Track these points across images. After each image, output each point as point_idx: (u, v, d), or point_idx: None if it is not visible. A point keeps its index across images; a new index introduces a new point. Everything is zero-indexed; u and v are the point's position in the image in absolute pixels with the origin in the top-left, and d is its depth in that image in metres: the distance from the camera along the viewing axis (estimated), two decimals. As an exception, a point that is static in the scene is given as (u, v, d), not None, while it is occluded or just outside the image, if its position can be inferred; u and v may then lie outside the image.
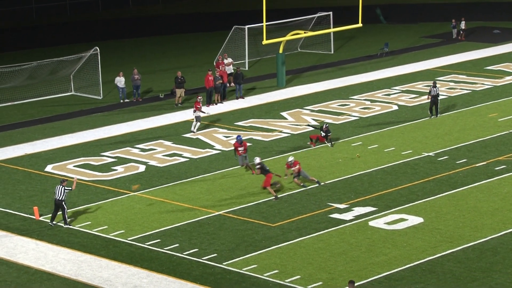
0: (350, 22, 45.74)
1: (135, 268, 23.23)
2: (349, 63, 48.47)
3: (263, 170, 28.41)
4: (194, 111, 35.58)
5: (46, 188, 29.23)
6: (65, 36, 59.78)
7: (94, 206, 27.80)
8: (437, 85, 36.66)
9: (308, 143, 33.25)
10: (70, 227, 25.90)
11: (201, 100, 36.06)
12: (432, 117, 36.24)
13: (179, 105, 40.00)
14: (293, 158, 28.78)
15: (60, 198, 25.80)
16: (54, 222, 26.06)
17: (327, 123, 34.01)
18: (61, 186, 25.91)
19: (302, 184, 28.49)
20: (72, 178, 27.58)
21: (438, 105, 36.46)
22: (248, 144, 31.69)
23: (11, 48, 55.02)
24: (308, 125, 35.31)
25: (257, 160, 28.68)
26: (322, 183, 28.62)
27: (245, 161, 30.28)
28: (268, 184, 28.11)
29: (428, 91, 37.23)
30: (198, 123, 35.56)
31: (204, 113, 35.87)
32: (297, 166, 28.42)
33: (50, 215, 26.70)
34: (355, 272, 22.51)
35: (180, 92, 40.32)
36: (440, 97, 40.04)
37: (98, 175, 30.68)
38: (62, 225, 26.02)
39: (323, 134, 33.13)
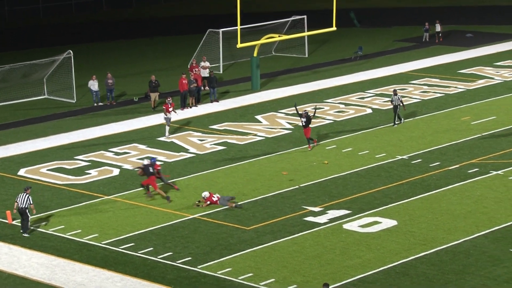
0: (324, 25, 45.89)
1: (109, 272, 23.12)
2: (323, 66, 48.63)
3: (146, 172, 27.93)
4: (166, 114, 35.44)
5: (19, 192, 28.92)
6: (38, 39, 59.40)
7: (67, 210, 27.64)
8: (398, 94, 35.88)
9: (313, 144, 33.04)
10: (28, 236, 25.38)
11: (170, 101, 35.73)
12: (395, 125, 35.78)
13: (153, 109, 39.86)
14: (205, 193, 27.38)
15: (23, 206, 25.41)
16: (28, 230, 25.76)
17: (305, 110, 33.87)
18: (25, 194, 25.57)
19: (234, 205, 27.23)
20: (42, 181, 27.27)
21: (397, 113, 35.82)
22: (222, 147, 31.59)
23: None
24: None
25: (145, 162, 28.31)
26: (239, 207, 27.30)
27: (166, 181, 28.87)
28: (145, 183, 27.82)
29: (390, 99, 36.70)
30: (167, 127, 35.37)
31: (166, 116, 35.12)
32: (209, 202, 27.23)
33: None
34: (329, 275, 22.57)
35: (154, 96, 40.21)
36: (414, 101, 40.35)
37: (72, 179, 30.51)
38: (23, 232, 25.60)
39: (303, 121, 32.79)
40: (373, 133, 35.46)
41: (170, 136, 35.26)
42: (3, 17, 67.28)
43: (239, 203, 27.49)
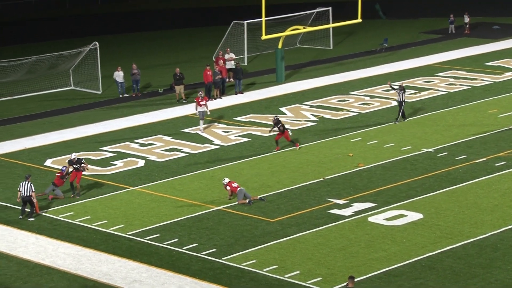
0: (350, 17, 45.69)
1: (134, 263, 23.24)
2: (348, 58, 48.45)
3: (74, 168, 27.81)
4: (196, 108, 35.24)
5: (46, 182, 29.20)
6: (64, 30, 59.71)
7: (93, 200, 27.80)
8: (404, 89, 34.95)
9: (275, 149, 31.87)
10: (33, 219, 25.90)
11: (201, 95, 35.60)
12: (397, 122, 35.03)
13: (184, 101, 39.74)
14: (226, 180, 27.25)
15: (28, 195, 25.78)
16: (25, 216, 26.20)
17: (276, 115, 33.09)
18: (27, 182, 25.90)
19: (248, 201, 26.88)
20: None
21: (402, 110, 35.03)
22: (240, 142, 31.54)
23: (11, 42, 54.95)
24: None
25: (73, 155, 28.10)
26: (263, 199, 27.09)
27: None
28: (72, 179, 27.71)
29: (393, 88, 35.67)
30: (201, 120, 34.92)
31: (197, 110, 34.77)
32: (229, 188, 27.11)
33: (51, 209, 26.83)
34: (354, 268, 22.52)
35: (179, 88, 40.19)
36: (440, 93, 40.13)
37: (98, 170, 30.67)
38: (29, 218, 26.11)
39: (279, 128, 31.65)
40: (398, 125, 35.27)
41: (201, 128, 34.90)
42: (29, 8, 67.71)
43: (262, 196, 27.45)
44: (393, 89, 35.39)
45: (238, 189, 27.09)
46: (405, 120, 35.51)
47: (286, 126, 33.04)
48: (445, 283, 21.71)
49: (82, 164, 28.03)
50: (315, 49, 51.11)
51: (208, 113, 35.59)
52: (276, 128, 32.09)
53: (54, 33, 58.10)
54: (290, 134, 32.35)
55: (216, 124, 36.09)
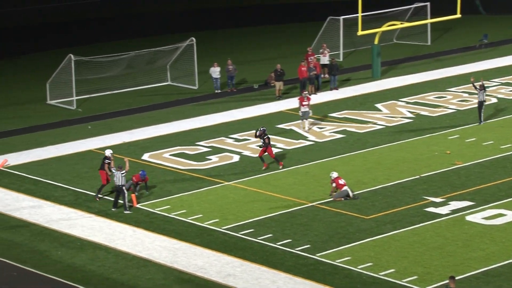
0: (448, 12, 44.80)
1: (229, 257, 23.44)
2: (447, 54, 47.53)
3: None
4: (300, 108, 34.75)
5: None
6: (162, 26, 60.68)
7: (189, 194, 28.17)
8: (485, 88, 33.53)
9: (263, 167, 30.12)
10: (130, 212, 26.46)
11: (306, 94, 34.84)
12: (481, 123, 33.66)
13: (279, 98, 39.75)
14: (334, 174, 27.02)
15: (120, 184, 26.48)
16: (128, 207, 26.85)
17: (263, 126, 31.22)
18: (119, 172, 26.67)
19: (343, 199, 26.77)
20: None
21: (482, 111, 33.64)
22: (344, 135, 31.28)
23: (110, 38, 56.20)
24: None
25: (107, 152, 27.91)
26: (356, 197, 26.84)
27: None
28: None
29: (475, 87, 33.95)
30: (306, 121, 34.32)
31: (300, 109, 34.21)
32: (334, 185, 26.89)
33: (148, 202, 27.36)
34: (451, 267, 22.10)
35: (279, 84, 40.11)
36: (542, 90, 38.94)
37: (193, 164, 31.06)
38: (124, 211, 26.68)
39: (264, 142, 29.88)
40: (497, 123, 34.41)
41: (306, 128, 34.42)
42: (130, 3, 69.03)
43: (356, 194, 27.20)
44: (475, 87, 34.31)
45: (344, 187, 26.95)
46: (482, 123, 34.03)
47: (380, 122, 32.60)
48: (546, 285, 21.08)
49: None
50: (412, 45, 50.33)
51: (310, 113, 34.84)
52: (261, 140, 30.07)
53: (153, 29, 59.09)
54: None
55: (310, 120, 35.97)
